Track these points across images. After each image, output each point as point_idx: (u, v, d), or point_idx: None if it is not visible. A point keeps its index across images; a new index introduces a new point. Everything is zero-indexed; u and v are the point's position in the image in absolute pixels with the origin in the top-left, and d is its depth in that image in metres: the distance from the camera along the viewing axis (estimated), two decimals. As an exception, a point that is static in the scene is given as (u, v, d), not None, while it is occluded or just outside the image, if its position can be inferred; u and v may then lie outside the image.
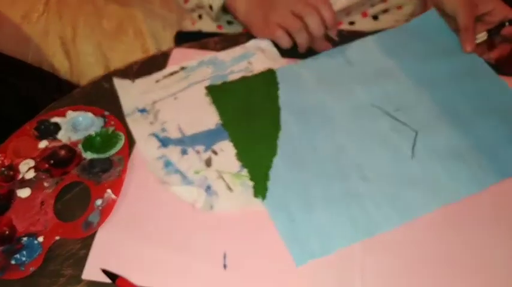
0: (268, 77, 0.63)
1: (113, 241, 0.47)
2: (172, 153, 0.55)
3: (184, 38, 0.86)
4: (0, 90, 1.25)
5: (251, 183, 0.52)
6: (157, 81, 0.63)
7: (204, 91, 0.61)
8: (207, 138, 0.56)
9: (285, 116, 0.58)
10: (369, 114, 0.58)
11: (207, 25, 0.81)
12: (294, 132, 0.57)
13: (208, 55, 0.66)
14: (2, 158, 0.53)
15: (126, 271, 0.44)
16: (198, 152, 0.55)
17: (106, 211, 0.48)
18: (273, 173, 0.53)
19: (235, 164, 0.54)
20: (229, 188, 0.51)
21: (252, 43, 0.68)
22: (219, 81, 0.63)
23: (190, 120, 0.58)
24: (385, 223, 0.48)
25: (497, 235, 0.48)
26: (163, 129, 0.57)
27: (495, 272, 0.45)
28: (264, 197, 0.50)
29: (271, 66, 0.64)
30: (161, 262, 0.46)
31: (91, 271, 0.45)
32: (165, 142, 0.56)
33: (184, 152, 0.55)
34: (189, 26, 0.85)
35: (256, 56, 0.66)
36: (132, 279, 0.44)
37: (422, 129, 0.56)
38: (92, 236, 0.47)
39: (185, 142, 0.56)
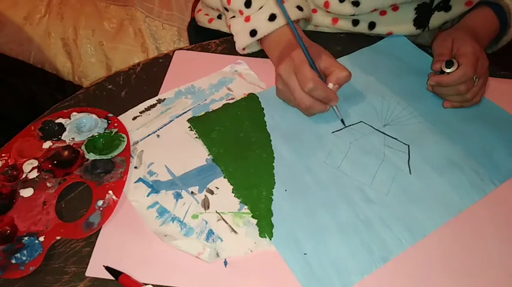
0: (252, 103, 0.61)
1: (116, 238, 0.48)
2: (166, 199, 0.51)
3: (198, 31, 0.87)
4: (2, 91, 1.25)
5: (255, 220, 0.49)
6: (134, 118, 0.59)
7: (188, 125, 0.59)
8: (200, 177, 0.53)
9: (275, 142, 0.57)
10: (359, 131, 0.58)
11: (226, 27, 0.79)
12: (287, 157, 0.55)
13: (184, 85, 0.64)
14: (6, 158, 0.54)
15: (129, 268, 0.45)
16: (193, 193, 0.51)
17: (107, 212, 0.49)
18: (275, 206, 0.50)
19: (234, 202, 0.51)
20: (233, 231, 0.48)
21: (228, 68, 0.67)
22: (201, 112, 0.60)
23: (179, 159, 0.55)
24: (399, 246, 0.47)
25: (497, 239, 0.48)
26: (151, 173, 0.53)
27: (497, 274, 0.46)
28: (271, 235, 0.48)
29: (252, 91, 0.63)
30: (163, 259, 0.46)
31: (95, 268, 0.45)
32: (155, 187, 0.52)
33: (178, 196, 0.51)
34: (204, 20, 0.84)
35: (236, 81, 0.65)
36: (135, 276, 0.44)
37: (414, 142, 0.57)
38: (95, 234, 0.48)
39: (177, 184, 0.52)
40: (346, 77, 0.57)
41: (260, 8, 0.64)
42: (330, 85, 0.57)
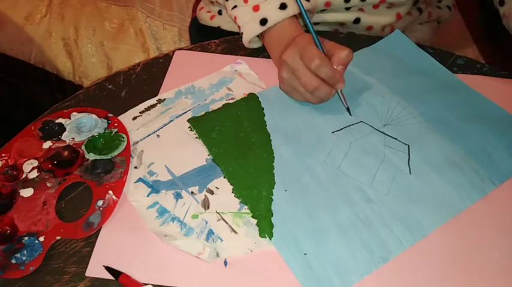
0: (252, 102, 0.61)
1: (116, 238, 0.48)
2: (166, 199, 0.51)
3: (200, 30, 0.87)
4: (2, 91, 1.25)
5: (255, 220, 0.49)
6: (134, 118, 0.60)
7: (188, 125, 0.59)
8: (200, 177, 0.53)
9: (275, 142, 0.57)
10: (359, 131, 0.58)
11: (227, 23, 0.81)
12: (287, 157, 0.55)
13: (184, 85, 0.64)
14: (6, 158, 0.54)
15: (129, 268, 0.45)
16: (193, 193, 0.51)
17: (107, 212, 0.49)
18: (275, 206, 0.50)
19: (234, 202, 0.50)
20: (233, 231, 0.48)
21: (228, 68, 0.67)
22: (201, 112, 0.60)
23: (179, 159, 0.54)
24: (399, 246, 0.47)
25: (497, 239, 0.48)
26: (151, 173, 0.53)
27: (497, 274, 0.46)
28: (271, 235, 0.48)
29: (252, 91, 0.63)
30: (163, 259, 0.46)
31: (94, 268, 0.45)
32: (155, 187, 0.52)
33: (178, 196, 0.51)
34: (206, 17, 0.84)
35: (236, 81, 0.64)
36: (135, 276, 0.44)
37: (414, 142, 0.57)
38: (95, 234, 0.48)
39: (177, 184, 0.52)
40: (348, 56, 0.57)
41: None
42: (335, 67, 0.56)
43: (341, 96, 0.59)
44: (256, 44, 0.69)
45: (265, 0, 0.64)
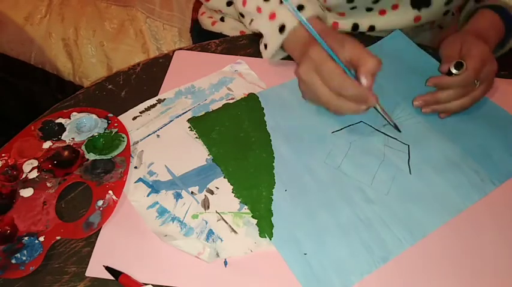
0: (252, 102, 0.61)
1: (116, 238, 0.48)
2: (166, 199, 0.51)
3: (202, 35, 0.86)
4: (2, 91, 1.26)
5: (255, 220, 0.49)
6: (134, 118, 0.59)
7: (188, 125, 0.59)
8: (200, 177, 0.53)
9: (275, 142, 0.56)
10: (359, 131, 0.58)
11: (230, 29, 0.80)
12: (287, 157, 0.55)
13: (184, 85, 0.64)
14: (6, 158, 0.54)
15: (129, 268, 0.45)
16: (193, 193, 0.51)
17: (107, 212, 0.49)
18: (275, 206, 0.50)
19: (234, 202, 0.50)
20: (233, 231, 0.48)
21: (228, 68, 0.67)
22: (201, 112, 0.60)
23: (179, 159, 0.54)
24: (399, 246, 0.47)
25: (497, 239, 0.48)
26: (151, 173, 0.53)
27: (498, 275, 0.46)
28: (271, 235, 0.48)
29: (252, 91, 0.63)
30: (163, 259, 0.46)
31: (94, 268, 0.45)
32: (155, 187, 0.52)
33: (178, 196, 0.51)
34: (207, 22, 0.83)
35: (236, 81, 0.64)
36: (135, 276, 0.44)
37: (414, 142, 0.57)
38: (95, 234, 0.48)
39: (177, 184, 0.52)
40: (377, 66, 0.51)
41: (281, 2, 0.60)
42: (363, 81, 0.52)
43: (381, 112, 0.56)
44: (281, 55, 0.65)
45: (280, 4, 0.60)
